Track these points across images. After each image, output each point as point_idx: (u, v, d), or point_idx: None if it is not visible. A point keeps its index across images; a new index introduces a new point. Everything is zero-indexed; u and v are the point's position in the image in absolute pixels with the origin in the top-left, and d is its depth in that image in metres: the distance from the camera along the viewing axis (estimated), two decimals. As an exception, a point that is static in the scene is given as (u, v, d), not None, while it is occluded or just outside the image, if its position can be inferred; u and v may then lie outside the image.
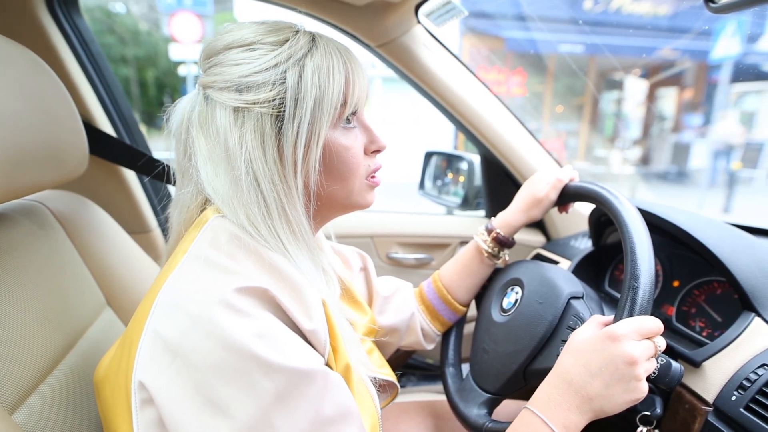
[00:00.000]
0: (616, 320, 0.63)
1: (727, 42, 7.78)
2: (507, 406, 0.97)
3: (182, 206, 0.63)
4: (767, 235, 1.01)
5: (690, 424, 0.71)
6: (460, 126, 1.20)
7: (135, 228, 1.07)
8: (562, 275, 0.81)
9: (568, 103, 12.15)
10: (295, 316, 0.52)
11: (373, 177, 0.68)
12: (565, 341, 0.72)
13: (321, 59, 0.57)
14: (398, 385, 0.81)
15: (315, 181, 0.59)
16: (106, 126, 1.04)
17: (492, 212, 1.42)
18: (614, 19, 10.06)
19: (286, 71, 0.56)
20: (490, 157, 1.28)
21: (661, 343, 0.60)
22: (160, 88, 11.36)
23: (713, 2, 0.56)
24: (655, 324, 0.60)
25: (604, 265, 1.10)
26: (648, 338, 0.60)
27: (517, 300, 0.83)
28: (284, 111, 0.56)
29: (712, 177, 8.81)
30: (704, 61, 9.92)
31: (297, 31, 0.59)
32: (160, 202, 1.16)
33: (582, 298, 0.77)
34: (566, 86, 12.19)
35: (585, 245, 1.22)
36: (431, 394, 1.13)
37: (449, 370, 0.94)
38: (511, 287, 0.87)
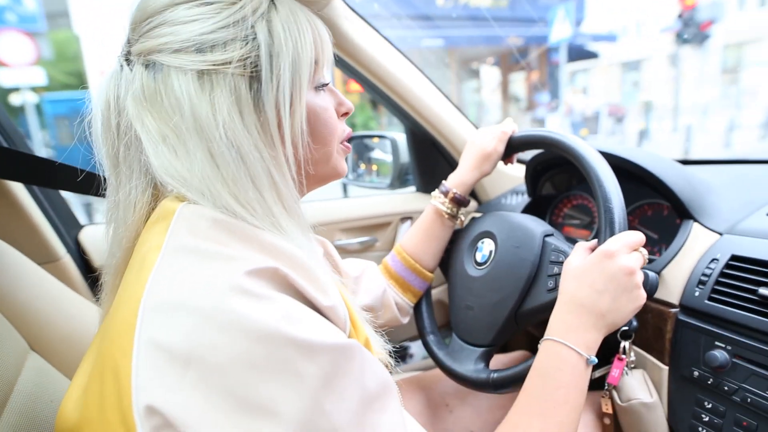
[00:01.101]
0: (601, 242, 0.67)
1: (560, 27, 8.94)
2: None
3: (126, 206, 0.52)
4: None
5: (662, 327, 0.79)
6: (388, 100, 1.19)
7: (42, 258, 0.87)
8: (528, 218, 0.84)
9: (435, 94, 12.90)
10: (311, 293, 0.46)
11: (344, 142, 0.65)
12: (551, 276, 0.75)
13: (287, 14, 0.52)
14: (392, 364, 0.78)
15: (303, 145, 0.53)
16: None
17: (423, 186, 1.44)
18: (464, 12, 10.95)
19: (254, 26, 0.49)
20: (417, 131, 1.30)
21: (646, 253, 0.65)
22: (-12, 124, 9.64)
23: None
24: (639, 236, 0.65)
25: (541, 214, 1.17)
26: (635, 250, 0.64)
27: (491, 251, 0.84)
28: (259, 70, 0.49)
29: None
30: (544, 45, 11.27)
31: None
32: (65, 224, 0.97)
33: (553, 234, 0.80)
34: (432, 79, 12.97)
35: (516, 201, 1.29)
36: (406, 373, 1.11)
37: (431, 338, 0.93)
38: (480, 241, 0.88)
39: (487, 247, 0.86)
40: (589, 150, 0.75)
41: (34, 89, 7.31)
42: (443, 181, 0.93)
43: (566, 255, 0.74)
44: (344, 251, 1.30)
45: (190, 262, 0.44)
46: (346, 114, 0.65)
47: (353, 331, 0.52)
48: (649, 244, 0.96)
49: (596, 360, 0.60)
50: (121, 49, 0.52)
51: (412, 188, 1.48)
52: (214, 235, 0.46)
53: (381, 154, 1.65)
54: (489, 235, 0.86)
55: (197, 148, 0.47)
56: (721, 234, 0.79)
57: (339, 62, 1.11)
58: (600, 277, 0.62)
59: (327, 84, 0.60)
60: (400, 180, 1.47)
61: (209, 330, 0.39)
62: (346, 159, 1.64)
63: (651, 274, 0.69)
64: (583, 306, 0.61)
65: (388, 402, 0.47)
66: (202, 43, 0.48)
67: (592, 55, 12.93)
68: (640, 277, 0.63)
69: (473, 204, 1.39)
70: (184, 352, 0.39)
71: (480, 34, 10.80)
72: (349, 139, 1.63)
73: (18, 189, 0.85)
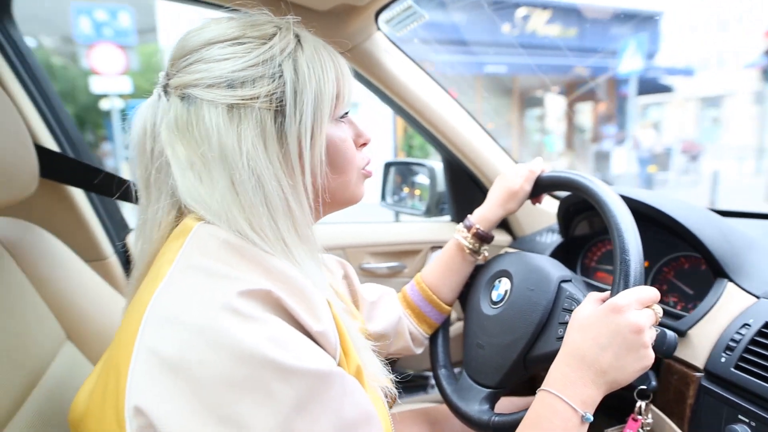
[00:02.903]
0: (613, 294, 0.64)
1: (630, 58, 8.64)
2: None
3: (153, 224, 0.57)
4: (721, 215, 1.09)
5: (684, 392, 0.74)
6: (424, 131, 1.21)
7: (90, 255, 0.97)
8: (548, 261, 0.83)
9: (497, 121, 12.79)
10: (302, 317, 0.49)
11: (365, 168, 0.68)
12: (562, 323, 0.73)
13: (312, 53, 0.57)
14: (396, 393, 0.79)
15: (322, 174, 0.57)
16: (49, 143, 0.94)
17: (458, 216, 1.44)
18: (531, 41, 10.84)
19: (281, 64, 0.54)
20: (453, 161, 1.31)
21: (660, 311, 0.62)
22: (80, 125, 10.67)
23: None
24: (653, 292, 0.62)
25: (573, 256, 1.14)
26: (647, 306, 0.62)
27: (506, 291, 0.83)
28: (284, 105, 0.54)
29: (642, 182, 9.62)
30: (613, 77, 10.90)
31: (279, 26, 0.58)
32: (116, 227, 1.07)
33: (571, 280, 0.78)
34: (494, 105, 12.87)
35: (550, 240, 1.26)
36: (419, 404, 1.10)
37: (442, 372, 0.93)
38: (497, 279, 0.87)
39: (503, 286, 0.85)
40: (613, 197, 0.73)
41: (122, 96, 8.01)
42: (468, 216, 0.94)
43: (579, 303, 0.72)
44: (372, 275, 1.32)
45: (192, 279, 0.48)
46: (364, 144, 0.68)
47: (343, 359, 0.54)
48: (683, 300, 0.90)
49: (592, 417, 0.58)
50: (160, 81, 0.58)
51: (448, 217, 1.49)
52: (222, 256, 0.50)
53: (425, 179, 1.67)
54: (506, 274, 0.86)
55: (220, 176, 0.52)
56: (758, 297, 0.74)
57: (379, 94, 1.15)
58: (605, 332, 0.59)
59: (347, 114, 0.63)
60: (436, 208, 1.48)
61: (199, 345, 0.43)
62: (385, 182, 1.68)
63: (669, 333, 0.65)
64: (584, 360, 0.60)
65: None
66: (233, 79, 0.53)
67: (665, 89, 12.34)
68: (649, 336, 0.60)
69: (506, 239, 1.38)
70: (175, 362, 0.43)
71: (545, 62, 10.63)
72: (392, 164, 1.66)
73: (77, 193, 0.96)
